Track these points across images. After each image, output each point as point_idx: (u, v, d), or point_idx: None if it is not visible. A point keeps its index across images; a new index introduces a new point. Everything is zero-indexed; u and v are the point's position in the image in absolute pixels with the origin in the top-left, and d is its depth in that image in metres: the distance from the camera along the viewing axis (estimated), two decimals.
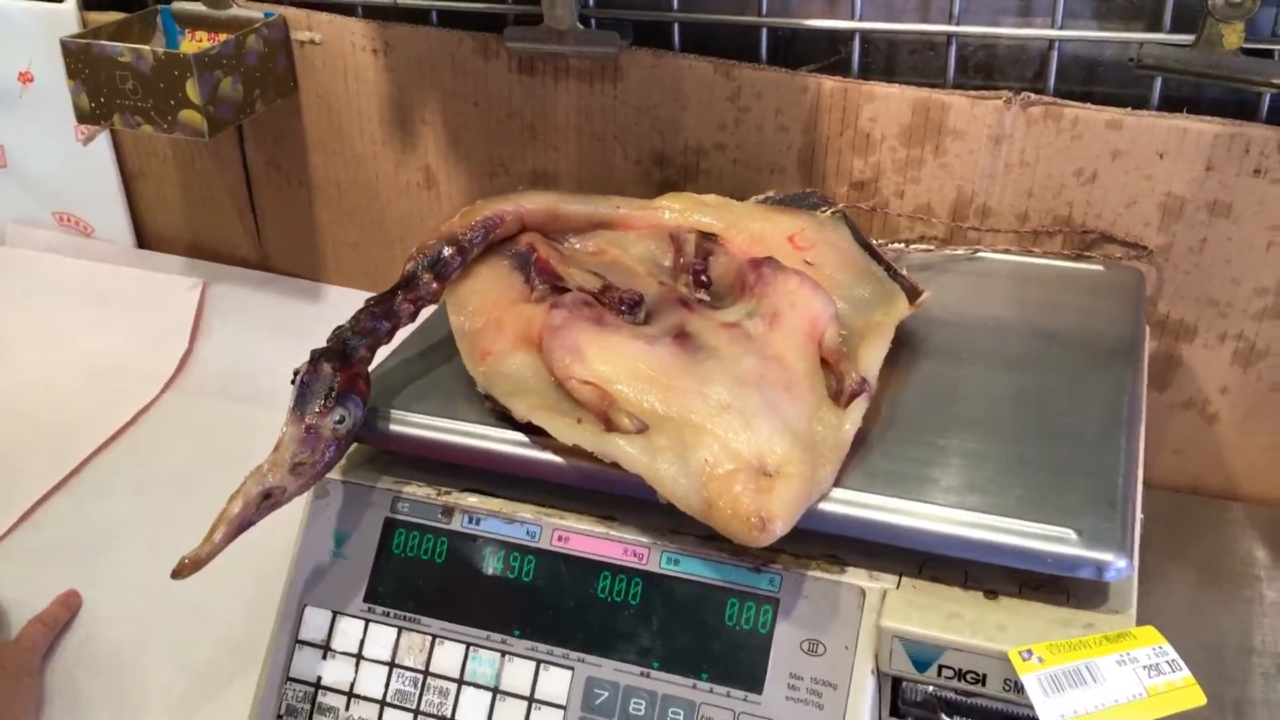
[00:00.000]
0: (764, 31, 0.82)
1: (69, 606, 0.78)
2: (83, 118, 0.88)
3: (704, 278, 0.67)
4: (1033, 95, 0.75)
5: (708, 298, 0.66)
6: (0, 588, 0.79)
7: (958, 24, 0.77)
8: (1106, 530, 0.51)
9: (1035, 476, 0.55)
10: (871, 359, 0.60)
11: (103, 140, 1.04)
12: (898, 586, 0.54)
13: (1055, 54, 0.76)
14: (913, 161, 0.80)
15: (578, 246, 0.71)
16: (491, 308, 0.64)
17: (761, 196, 0.74)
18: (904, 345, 0.65)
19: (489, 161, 0.92)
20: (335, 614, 0.60)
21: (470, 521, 0.60)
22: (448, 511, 0.60)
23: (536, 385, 0.59)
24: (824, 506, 0.54)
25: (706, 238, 0.69)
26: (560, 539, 0.58)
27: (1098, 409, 0.59)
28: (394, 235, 0.99)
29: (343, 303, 1.04)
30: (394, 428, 0.61)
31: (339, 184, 0.98)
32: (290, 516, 0.60)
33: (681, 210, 0.71)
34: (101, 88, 0.86)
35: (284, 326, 1.04)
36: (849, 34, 0.80)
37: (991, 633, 0.51)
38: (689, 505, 0.53)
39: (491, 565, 0.59)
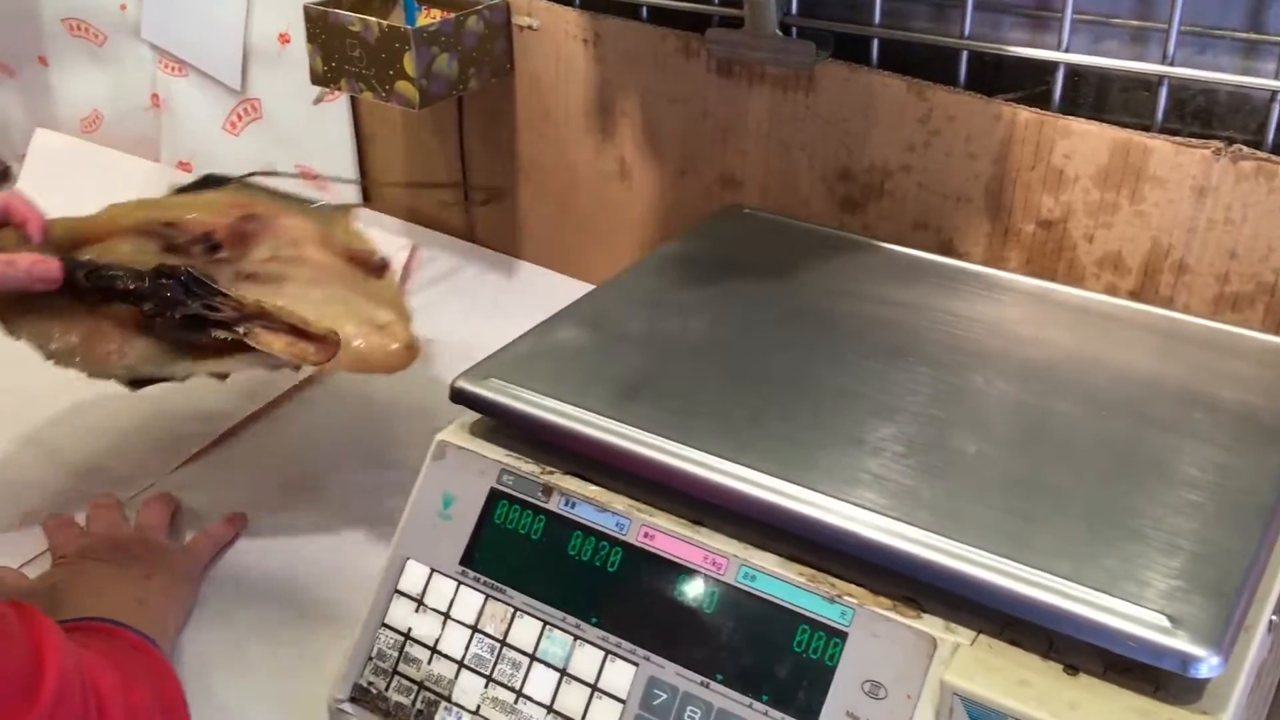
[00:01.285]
0: (964, 55, 0.79)
1: (234, 526, 0.85)
2: (315, 79, 0.95)
3: (214, 239, 0.82)
4: (1245, 149, 0.69)
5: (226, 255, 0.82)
6: (184, 499, 0.87)
7: (1172, 64, 0.72)
8: (1204, 622, 0.47)
9: (1142, 550, 0.51)
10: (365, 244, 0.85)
11: (344, 103, 1.12)
12: (972, 643, 0.51)
13: (1278, 107, 0.69)
14: (1106, 205, 0.75)
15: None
16: (80, 325, 0.76)
17: (171, 189, 0.90)
18: (1039, 386, 0.63)
19: (681, 159, 0.93)
20: (433, 571, 0.63)
21: (566, 504, 0.61)
22: (547, 491, 0.61)
23: (167, 357, 0.76)
24: (908, 548, 0.52)
25: (167, 225, 0.83)
26: (647, 535, 0.59)
27: (1238, 491, 0.54)
28: (587, 222, 1.02)
29: (537, 281, 1.08)
30: (511, 403, 0.63)
31: (542, 166, 1.02)
32: None
33: (131, 212, 0.84)
34: (334, 53, 0.93)
35: (481, 297, 1.09)
36: (1053, 65, 0.76)
37: (1060, 708, 0.48)
38: (351, 364, 0.75)
39: (580, 550, 0.60)
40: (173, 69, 1.20)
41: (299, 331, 0.78)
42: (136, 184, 1.26)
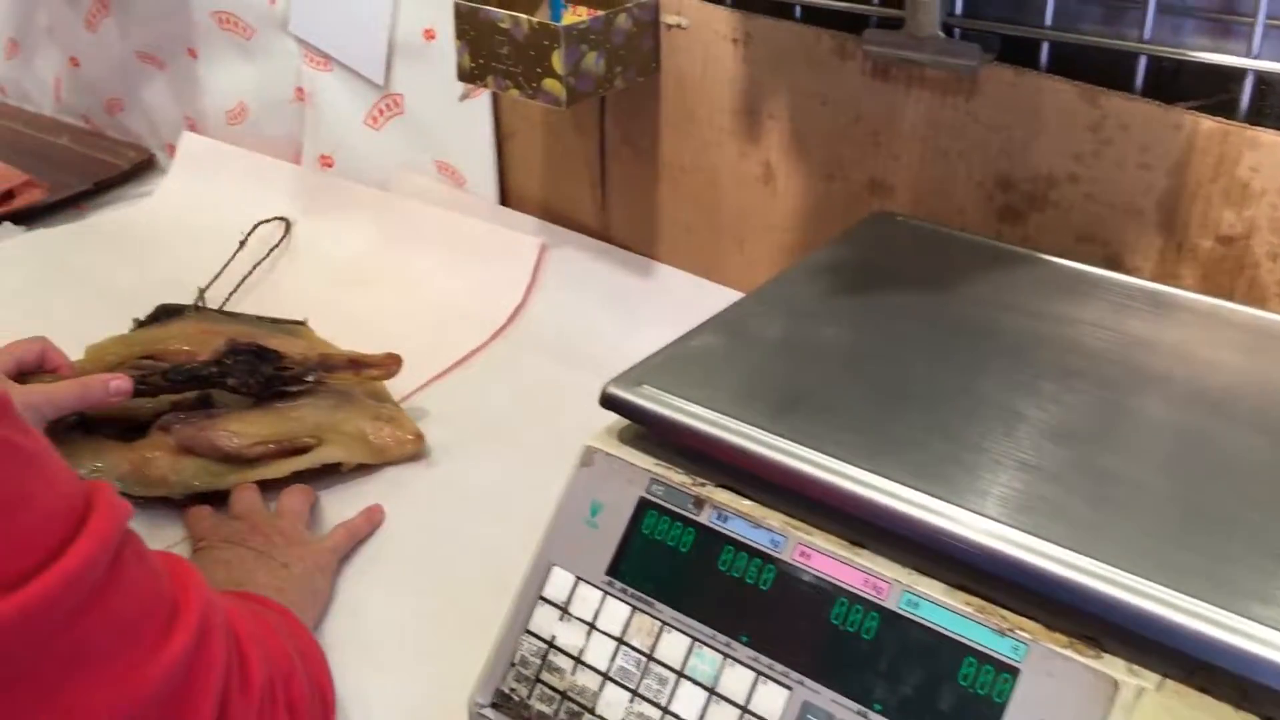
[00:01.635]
0: (1141, 59, 0.75)
1: (371, 521, 0.85)
2: (462, 76, 0.95)
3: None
4: None
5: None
6: (324, 496, 0.88)
7: None
8: None
9: None
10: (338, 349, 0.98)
11: (485, 100, 1.12)
12: (1158, 688, 0.48)
13: None
14: None
15: None
16: (123, 456, 0.84)
17: (132, 325, 1.00)
18: (1222, 413, 0.59)
19: (828, 163, 0.91)
20: (578, 579, 0.62)
21: (718, 518, 0.59)
22: (699, 503, 0.60)
23: (220, 469, 0.84)
24: (1089, 584, 0.49)
25: (147, 358, 0.93)
26: (803, 554, 0.57)
27: None
28: (727, 225, 1.00)
29: (671, 284, 1.06)
30: (665, 411, 0.61)
31: (683, 166, 1.00)
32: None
33: (110, 349, 0.95)
34: (481, 50, 0.92)
35: (613, 298, 1.08)
36: (1240, 73, 0.71)
37: None
38: (370, 457, 0.88)
39: (731, 566, 0.58)
40: (318, 63, 1.21)
41: (358, 363, 0.92)
42: (277, 187, 1.28)
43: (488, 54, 0.92)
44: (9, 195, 1.31)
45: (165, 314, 1.02)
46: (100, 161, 1.45)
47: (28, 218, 1.29)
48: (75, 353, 0.94)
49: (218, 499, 0.84)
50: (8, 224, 1.26)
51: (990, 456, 0.57)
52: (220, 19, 1.29)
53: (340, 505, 0.86)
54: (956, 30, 0.80)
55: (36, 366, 0.85)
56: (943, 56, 0.79)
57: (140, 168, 1.44)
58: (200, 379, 0.87)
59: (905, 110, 0.85)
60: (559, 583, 0.62)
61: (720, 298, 1.00)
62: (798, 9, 0.89)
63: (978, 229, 0.84)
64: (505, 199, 1.17)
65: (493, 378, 1.03)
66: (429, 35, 1.11)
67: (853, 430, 0.59)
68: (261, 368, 0.88)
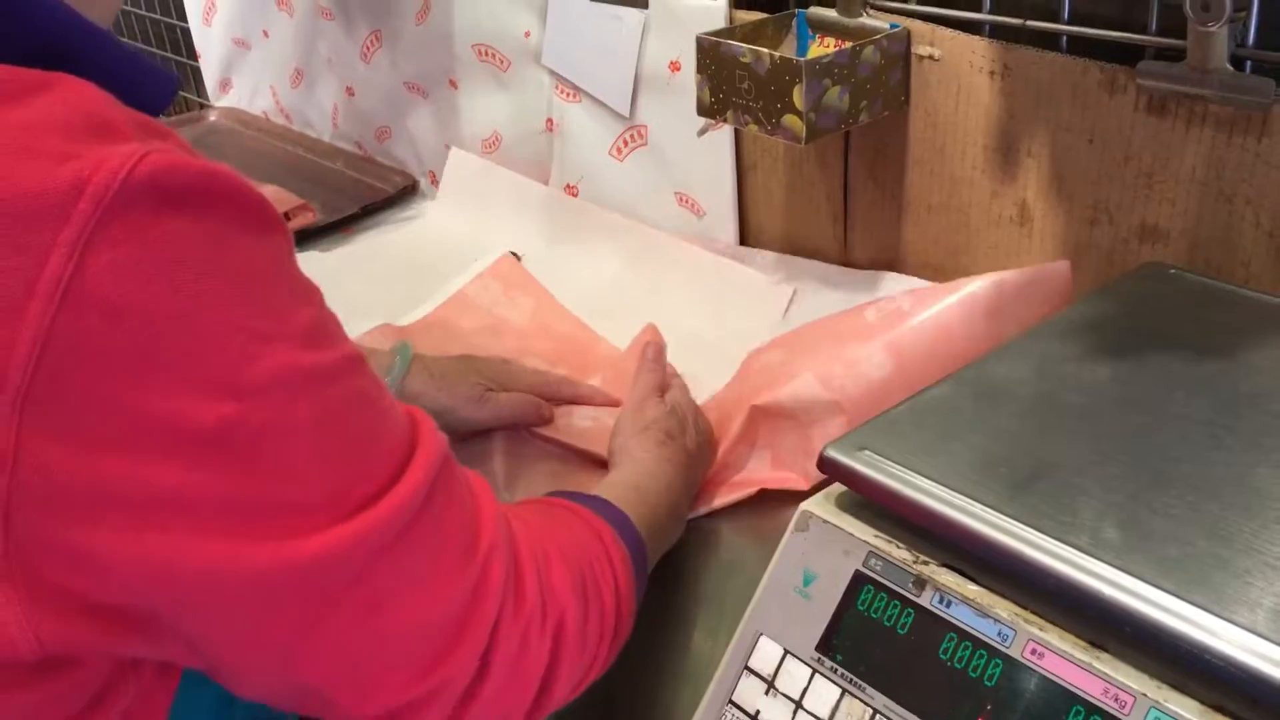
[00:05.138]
0: None
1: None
2: (701, 110, 0.93)
3: None
4: None
5: None
6: None
7: None
8: None
9: None
10: None
11: (727, 132, 1.09)
12: None
13: None
14: None
15: None
16: None
17: None
18: None
19: (1093, 206, 0.83)
20: (786, 652, 0.58)
21: (940, 601, 0.54)
22: (920, 583, 0.55)
23: None
24: None
25: None
26: (1034, 652, 0.51)
27: None
28: (977, 266, 0.93)
29: None
30: (884, 480, 0.57)
31: (930, 205, 0.95)
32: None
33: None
34: (722, 84, 0.90)
35: None
36: None
37: None
38: None
39: (954, 656, 0.53)
40: (567, 95, 1.23)
41: None
42: (529, 205, 1.30)
43: (728, 89, 0.90)
44: (285, 218, 1.39)
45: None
46: (369, 186, 1.52)
47: (300, 240, 1.37)
48: None
49: None
50: None
51: (1264, 561, 0.49)
52: (480, 50, 1.32)
53: None
54: (1247, 63, 0.72)
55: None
56: (1230, 92, 0.71)
57: (405, 192, 1.50)
58: None
59: (1184, 150, 0.76)
60: (766, 654, 0.59)
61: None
62: (1063, 39, 0.82)
63: (1264, 284, 0.75)
64: (744, 232, 1.14)
65: None
66: (674, 67, 1.10)
67: (1101, 517, 0.52)
68: None
